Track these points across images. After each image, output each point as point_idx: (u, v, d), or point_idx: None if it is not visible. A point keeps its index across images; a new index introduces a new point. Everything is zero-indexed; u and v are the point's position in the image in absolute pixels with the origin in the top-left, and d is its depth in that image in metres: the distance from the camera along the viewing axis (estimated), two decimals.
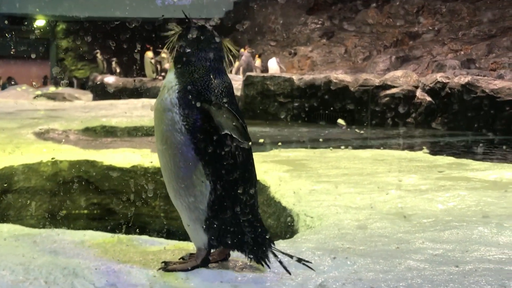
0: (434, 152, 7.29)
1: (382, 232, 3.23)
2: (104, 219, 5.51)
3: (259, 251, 2.44)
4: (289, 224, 3.94)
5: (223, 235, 2.40)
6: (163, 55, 22.42)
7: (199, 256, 2.44)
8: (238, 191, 2.37)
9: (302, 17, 29.69)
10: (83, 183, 5.58)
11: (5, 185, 5.29)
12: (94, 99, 21.86)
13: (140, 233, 4.04)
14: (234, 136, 2.27)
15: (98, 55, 26.16)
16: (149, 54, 22.42)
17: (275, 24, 29.52)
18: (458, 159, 5.77)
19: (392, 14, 28.79)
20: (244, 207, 2.39)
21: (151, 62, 22.40)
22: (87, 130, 8.30)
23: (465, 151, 11.63)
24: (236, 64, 22.77)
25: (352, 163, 5.46)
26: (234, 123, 2.25)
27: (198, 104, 2.33)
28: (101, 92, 22.55)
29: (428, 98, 17.45)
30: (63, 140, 7.43)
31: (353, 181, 4.59)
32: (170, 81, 2.42)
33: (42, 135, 7.71)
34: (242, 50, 24.03)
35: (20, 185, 5.38)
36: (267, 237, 2.47)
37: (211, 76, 2.39)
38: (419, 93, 17.77)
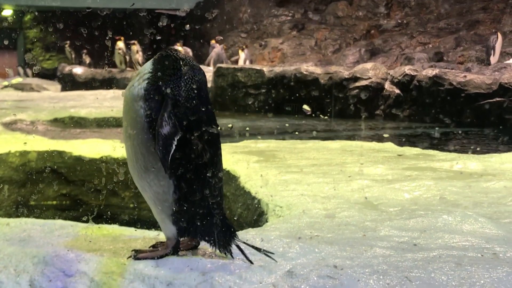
0: (401, 143, 7.40)
1: (350, 220, 3.29)
2: (73, 210, 5.49)
3: (223, 242, 2.47)
4: (258, 213, 3.98)
5: (191, 226, 2.42)
6: (133, 47, 22.30)
7: (169, 245, 2.47)
8: (203, 187, 2.38)
9: (273, 9, 29.68)
10: (52, 173, 5.55)
11: None
12: (63, 90, 21.65)
13: (110, 224, 4.05)
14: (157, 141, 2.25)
15: (67, 46, 25.86)
16: (119, 44, 22.26)
17: (245, 16, 29.50)
18: (424, 150, 5.87)
19: (362, 7, 28.94)
20: (210, 200, 2.41)
21: (119, 53, 22.24)
22: (55, 121, 8.24)
23: (432, 143, 11.79)
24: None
25: (321, 154, 5.51)
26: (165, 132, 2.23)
27: (164, 99, 2.29)
28: (70, 83, 22.35)
29: (397, 91, 17.62)
30: (32, 130, 7.37)
31: (321, 171, 4.64)
32: (144, 68, 2.41)
33: (10, 126, 7.64)
34: (212, 41, 24.00)
35: None
36: (231, 228, 2.50)
37: (184, 71, 2.37)
38: (387, 85, 17.94)
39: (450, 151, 6.07)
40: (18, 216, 4.12)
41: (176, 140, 2.26)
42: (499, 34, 20.50)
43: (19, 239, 2.66)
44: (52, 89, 19.78)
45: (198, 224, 2.42)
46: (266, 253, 2.48)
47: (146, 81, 2.35)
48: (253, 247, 2.50)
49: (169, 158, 2.25)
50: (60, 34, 31.00)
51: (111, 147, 5.77)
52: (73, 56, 25.27)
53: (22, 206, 5.46)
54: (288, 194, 3.93)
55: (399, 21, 27.10)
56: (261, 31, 29.10)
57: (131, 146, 2.36)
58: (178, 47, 22.22)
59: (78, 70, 22.84)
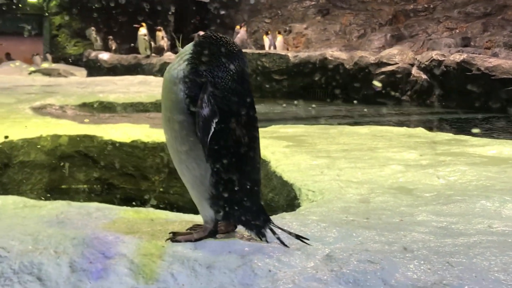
0: (431, 128, 7.32)
1: (385, 205, 3.26)
2: (103, 194, 5.52)
3: (259, 226, 2.46)
4: (290, 198, 3.96)
5: (228, 210, 2.41)
6: (158, 33, 22.33)
7: (206, 228, 2.46)
8: (241, 171, 2.37)
9: None
10: (83, 157, 5.58)
11: (5, 159, 5.28)
12: (88, 75, 21.77)
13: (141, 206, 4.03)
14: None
15: (93, 32, 25.96)
16: (142, 30, 22.30)
17: (270, 1, 29.36)
18: (456, 135, 5.80)
19: None
20: (247, 184, 2.40)
21: (144, 39, 22.28)
22: (84, 106, 8.28)
23: (461, 128, 11.69)
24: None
25: (351, 139, 5.48)
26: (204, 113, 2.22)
27: (203, 81, 2.28)
28: (96, 69, 22.48)
29: (424, 76, 17.48)
30: (61, 115, 7.43)
31: (353, 156, 4.61)
32: (185, 50, 2.40)
33: (39, 110, 7.69)
34: (237, 27, 23.93)
35: (20, 159, 5.38)
36: (266, 213, 2.49)
37: (227, 57, 2.35)
38: (414, 70, 17.79)
39: (481, 136, 5.99)
40: (49, 199, 4.17)
41: (215, 122, 2.25)
42: None
43: (57, 221, 2.67)
44: (78, 74, 19.89)
45: (235, 208, 2.41)
46: (301, 238, 2.46)
47: (186, 63, 2.33)
48: (288, 232, 2.49)
49: (208, 140, 2.24)
50: (86, 20, 31.12)
51: (141, 132, 5.79)
52: (98, 41, 25.34)
53: (52, 189, 5.51)
54: (320, 179, 3.91)
55: (426, 6, 26.80)
56: (285, 17, 28.97)
57: (171, 129, 2.35)
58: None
59: (104, 55, 22.95)
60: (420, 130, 6.13)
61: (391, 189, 3.66)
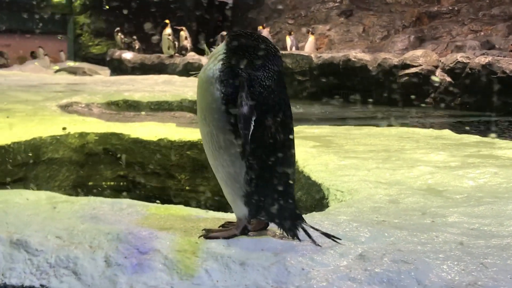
0: (457, 131, 7.27)
1: (415, 206, 3.25)
2: (130, 191, 5.56)
3: (292, 224, 2.46)
4: (318, 198, 3.96)
5: (261, 208, 2.42)
6: (182, 33, 22.42)
7: (239, 225, 2.47)
8: (275, 169, 2.38)
9: None
10: (110, 155, 5.63)
11: (34, 156, 5.34)
12: (112, 74, 21.91)
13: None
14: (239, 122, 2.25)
15: (119, 34, 26.11)
16: (167, 30, 22.39)
17: (293, 2, 29.35)
18: (483, 137, 5.76)
19: None
20: (281, 182, 2.41)
21: (168, 39, 22.37)
22: (109, 104, 8.33)
23: (487, 131, 11.59)
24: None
25: (378, 140, 5.46)
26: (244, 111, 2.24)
27: (237, 82, 2.30)
28: (119, 68, 22.61)
29: (448, 78, 17.35)
30: (88, 113, 7.49)
31: (381, 157, 4.59)
32: (218, 50, 2.41)
33: (66, 108, 7.76)
34: (260, 27, 23.94)
35: (48, 156, 5.43)
36: (299, 212, 2.50)
37: (262, 55, 2.36)
38: (438, 73, 17.67)
39: (509, 139, 5.94)
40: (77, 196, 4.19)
41: (253, 120, 2.27)
42: None
43: (90, 216, 2.70)
44: (102, 73, 20.04)
45: (269, 206, 2.42)
46: (333, 238, 2.47)
47: (221, 62, 2.35)
48: (320, 231, 2.49)
49: (249, 139, 2.26)
50: (109, 20, 31.37)
51: (167, 130, 5.82)
52: (123, 42, 25.51)
53: (80, 186, 5.56)
54: (348, 179, 3.90)
55: (450, 8, 26.62)
56: (308, 18, 28.94)
57: (207, 127, 2.36)
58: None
59: (127, 55, 23.08)
60: (447, 132, 6.10)
61: (420, 190, 3.64)
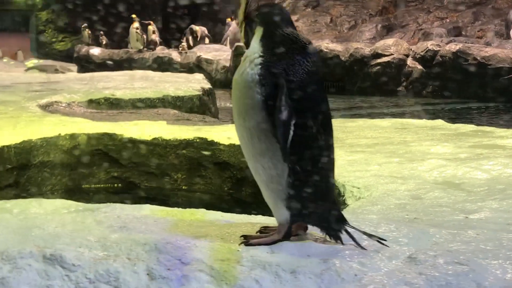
0: (452, 120, 7.28)
1: (441, 202, 3.19)
2: (125, 192, 5.42)
3: (335, 227, 2.38)
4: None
5: (304, 211, 2.33)
6: (150, 27, 22.16)
7: (281, 230, 2.37)
8: (317, 171, 2.30)
9: None
10: (103, 156, 5.48)
11: (25, 159, 5.17)
12: (79, 71, 21.54)
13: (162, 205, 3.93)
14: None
15: (86, 30, 25.69)
16: (135, 24, 22.11)
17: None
18: (479, 126, 5.75)
19: None
20: (323, 184, 2.34)
21: (137, 32, 22.09)
22: (91, 102, 8.12)
23: (463, 117, 11.69)
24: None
25: (377, 133, 5.41)
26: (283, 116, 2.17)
27: (279, 83, 2.21)
28: (86, 64, 22.25)
29: (419, 66, 17.47)
30: (70, 112, 7.29)
31: (387, 150, 4.54)
32: (253, 52, 2.30)
33: (47, 108, 7.55)
34: (228, 20, 23.79)
35: (40, 159, 5.26)
36: (341, 213, 2.43)
37: (298, 53, 2.28)
38: (410, 61, 17.78)
39: (505, 127, 5.94)
40: (71, 200, 4.06)
41: (293, 124, 2.18)
42: None
43: (118, 225, 2.57)
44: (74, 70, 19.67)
45: (312, 208, 2.33)
46: (379, 239, 2.39)
47: (259, 66, 2.25)
48: (365, 233, 2.41)
49: (289, 143, 2.18)
50: (74, 15, 30.85)
51: (160, 129, 5.69)
52: (90, 38, 25.11)
53: (74, 189, 5.40)
54: (362, 174, 3.84)
55: None
56: None
57: (247, 131, 2.26)
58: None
59: (95, 51, 22.74)
60: (441, 122, 6.08)
61: (438, 184, 3.59)
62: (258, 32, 2.37)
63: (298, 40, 2.34)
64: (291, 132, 2.19)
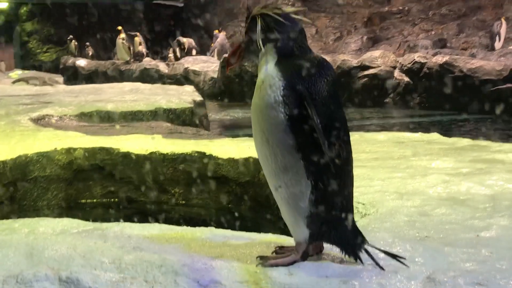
0: (426, 131, 7.31)
1: (449, 218, 3.18)
2: (122, 208, 5.37)
3: (354, 246, 2.37)
4: None
5: (325, 230, 2.32)
6: (136, 38, 22.10)
7: (299, 250, 2.35)
8: (340, 188, 2.30)
9: None
10: (100, 171, 5.42)
11: (20, 174, 5.11)
12: (66, 82, 21.40)
13: (160, 221, 3.91)
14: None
15: (73, 41, 25.56)
16: (121, 35, 22.04)
17: (246, 5, 29.25)
18: (475, 140, 5.77)
19: None
20: (344, 202, 2.34)
21: (123, 43, 22.02)
22: (83, 116, 8.05)
23: (452, 130, 11.75)
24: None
25: (375, 147, 5.41)
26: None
27: (304, 104, 2.23)
28: (73, 76, 22.14)
29: (406, 78, 17.55)
30: (63, 126, 7.23)
31: (388, 165, 4.54)
32: (271, 76, 2.29)
33: (39, 121, 7.47)
34: (216, 31, 23.81)
35: (36, 174, 5.20)
36: (360, 232, 2.42)
37: (316, 70, 2.28)
38: (397, 73, 17.85)
39: (499, 141, 5.95)
40: (67, 215, 4.02)
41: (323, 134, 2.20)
42: (503, 19, 20.49)
43: (131, 246, 2.54)
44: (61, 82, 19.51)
45: (332, 227, 2.32)
46: (399, 259, 2.37)
47: (282, 88, 2.24)
48: (385, 252, 2.40)
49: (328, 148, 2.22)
50: (59, 26, 30.70)
51: (157, 143, 5.65)
52: (76, 49, 24.99)
53: (70, 204, 5.35)
54: (366, 190, 3.83)
55: (400, 8, 26.98)
56: None
57: (269, 149, 2.26)
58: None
59: (81, 62, 22.62)
60: (436, 136, 6.08)
61: (443, 200, 3.59)
62: (270, 53, 2.35)
63: (313, 58, 2.34)
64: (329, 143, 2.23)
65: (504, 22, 20.16)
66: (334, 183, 2.27)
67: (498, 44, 20.17)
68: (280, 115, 2.23)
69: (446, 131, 10.50)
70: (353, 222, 2.39)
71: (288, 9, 2.42)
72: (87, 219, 3.11)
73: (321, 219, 2.29)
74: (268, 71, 2.32)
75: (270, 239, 2.71)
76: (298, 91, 2.23)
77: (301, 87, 2.23)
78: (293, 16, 2.39)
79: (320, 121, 2.18)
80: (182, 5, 31.53)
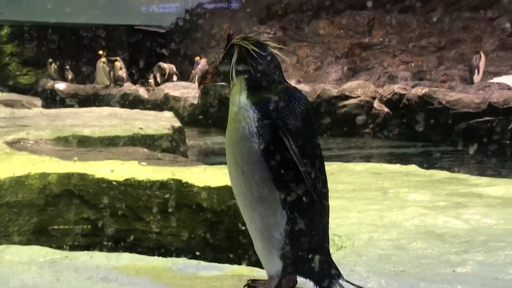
0: (405, 163, 7.33)
1: (425, 253, 3.15)
2: (95, 235, 5.27)
3: (329, 281, 2.33)
4: None
5: (299, 263, 2.27)
6: (117, 63, 22.03)
7: (271, 284, 2.30)
8: (315, 219, 2.26)
9: (254, 26, 29.64)
10: (72, 196, 5.33)
11: None
12: (43, 106, 21.23)
13: (133, 249, 3.87)
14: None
15: (53, 65, 25.43)
16: (102, 60, 21.96)
17: (227, 33, 29.35)
18: (453, 173, 5.76)
19: (343, 25, 29.06)
20: (319, 236, 2.30)
21: (103, 66, 21.93)
22: (59, 140, 7.94)
23: (433, 162, 11.80)
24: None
25: (353, 178, 5.38)
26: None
27: (279, 134, 2.21)
28: (51, 99, 21.96)
29: (386, 109, 17.65)
30: (38, 150, 7.12)
31: (366, 197, 4.50)
32: (245, 108, 2.25)
33: (14, 145, 7.35)
34: (197, 58, 23.84)
35: (7, 199, 5.09)
36: (335, 266, 2.37)
37: (289, 101, 2.25)
38: (376, 104, 17.95)
39: (478, 174, 5.97)
40: (39, 241, 3.94)
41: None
42: (481, 53, 20.72)
43: (99, 276, 2.47)
44: (38, 105, 19.38)
45: (307, 260, 2.27)
46: None
47: (256, 119, 2.21)
48: (359, 287, 2.35)
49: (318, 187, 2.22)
50: (39, 49, 30.56)
51: (132, 169, 5.57)
52: (56, 73, 24.86)
53: (41, 231, 5.24)
54: (343, 222, 3.78)
55: (381, 40, 27.24)
56: None
57: (244, 180, 2.22)
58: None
59: (60, 85, 22.45)
60: (414, 168, 6.08)
61: (420, 233, 3.56)
62: (242, 85, 2.32)
63: (285, 88, 2.32)
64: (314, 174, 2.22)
65: (483, 56, 20.38)
66: (310, 214, 2.23)
67: (477, 77, 20.36)
68: (255, 146, 2.20)
69: (424, 163, 10.55)
70: (329, 255, 2.34)
71: (269, 42, 2.38)
72: (59, 246, 3.03)
73: (295, 251, 2.24)
74: (241, 103, 2.28)
75: (243, 272, 2.65)
76: (273, 121, 2.20)
77: (275, 118, 2.20)
78: (271, 50, 2.36)
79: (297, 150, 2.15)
80: (163, 30, 31.58)
